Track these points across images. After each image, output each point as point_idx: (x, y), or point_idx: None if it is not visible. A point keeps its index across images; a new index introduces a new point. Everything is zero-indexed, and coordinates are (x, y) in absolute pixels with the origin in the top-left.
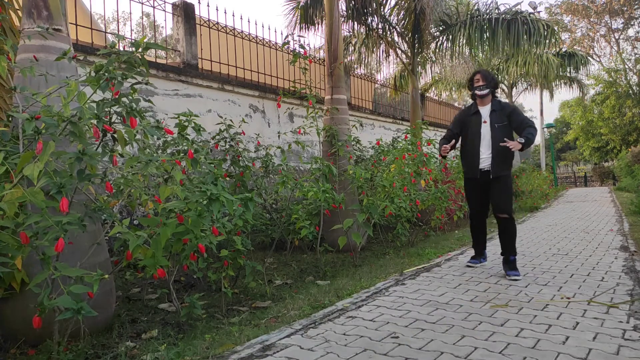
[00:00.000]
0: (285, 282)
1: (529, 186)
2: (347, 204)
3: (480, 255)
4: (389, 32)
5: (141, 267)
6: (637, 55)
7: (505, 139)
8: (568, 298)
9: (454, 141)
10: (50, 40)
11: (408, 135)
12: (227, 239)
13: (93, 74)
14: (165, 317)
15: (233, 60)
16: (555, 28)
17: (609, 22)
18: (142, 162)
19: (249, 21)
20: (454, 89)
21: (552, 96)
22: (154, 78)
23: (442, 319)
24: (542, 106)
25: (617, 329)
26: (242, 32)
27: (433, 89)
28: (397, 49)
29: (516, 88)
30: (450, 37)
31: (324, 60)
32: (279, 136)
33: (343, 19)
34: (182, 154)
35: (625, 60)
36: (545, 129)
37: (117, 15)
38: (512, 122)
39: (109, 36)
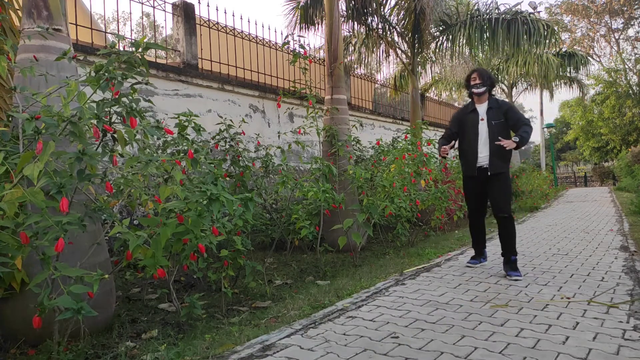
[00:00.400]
0: (285, 282)
1: (529, 186)
2: (347, 204)
3: (480, 255)
4: (389, 32)
5: (141, 267)
6: (637, 55)
7: (500, 137)
8: (568, 298)
9: (453, 142)
10: (50, 40)
11: (408, 135)
12: (227, 239)
13: (93, 74)
14: (165, 317)
15: (233, 60)
16: (555, 28)
17: (609, 22)
18: (142, 162)
19: (249, 21)
20: (454, 89)
21: (552, 96)
22: (154, 78)
23: (442, 319)
24: (542, 106)
25: (617, 329)
26: (242, 32)
27: (433, 89)
28: (397, 49)
29: (516, 88)
30: (450, 37)
31: (324, 60)
32: (279, 136)
33: (343, 19)
34: (182, 154)
35: (625, 60)
36: (545, 129)
37: (117, 15)
38: (508, 119)
39: (109, 36)
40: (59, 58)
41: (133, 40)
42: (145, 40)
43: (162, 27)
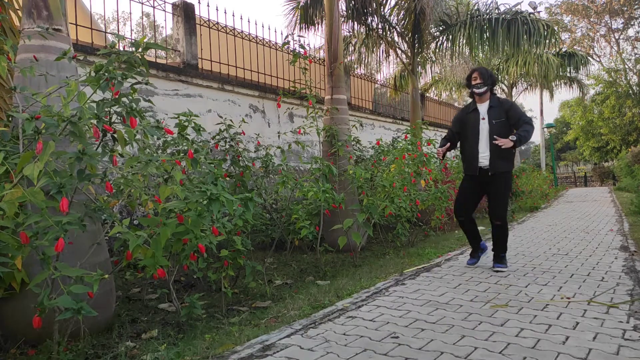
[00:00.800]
0: (285, 282)
1: (529, 186)
2: (347, 204)
3: (476, 251)
4: (389, 32)
5: (141, 267)
6: (637, 55)
7: (495, 136)
8: (568, 298)
9: (448, 144)
10: (50, 40)
11: (408, 135)
12: (227, 239)
13: (93, 74)
14: (165, 317)
15: (233, 60)
16: (555, 28)
17: (609, 22)
18: (142, 162)
19: (249, 21)
20: (454, 89)
21: (552, 96)
22: (154, 78)
23: (442, 319)
24: (542, 106)
25: (617, 329)
26: (242, 32)
27: (433, 89)
28: (397, 49)
29: (516, 88)
30: (450, 37)
31: (324, 60)
32: (279, 136)
33: (343, 19)
34: (182, 154)
35: (625, 60)
36: (545, 129)
37: (117, 15)
38: (509, 118)
39: (109, 36)
40: (59, 58)
41: (133, 40)
42: (145, 40)
43: (162, 27)
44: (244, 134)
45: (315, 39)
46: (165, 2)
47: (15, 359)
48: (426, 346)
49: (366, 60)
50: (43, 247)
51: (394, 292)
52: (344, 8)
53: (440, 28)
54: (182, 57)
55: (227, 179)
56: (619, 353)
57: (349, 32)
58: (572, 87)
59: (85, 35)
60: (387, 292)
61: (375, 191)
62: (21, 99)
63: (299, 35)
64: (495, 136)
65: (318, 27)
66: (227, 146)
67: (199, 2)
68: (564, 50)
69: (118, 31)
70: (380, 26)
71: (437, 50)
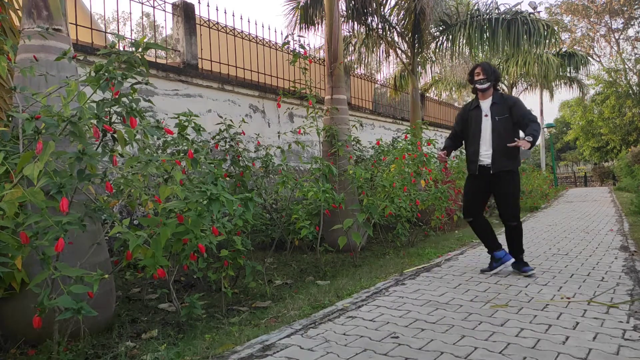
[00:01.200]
0: (285, 282)
1: (529, 186)
2: (347, 204)
3: (494, 249)
4: (389, 32)
5: (141, 267)
6: (637, 55)
7: (505, 134)
8: (568, 298)
9: (450, 148)
10: (50, 40)
11: (408, 135)
12: (227, 239)
13: (93, 74)
14: (165, 317)
15: (233, 60)
16: (555, 28)
17: (609, 22)
18: (142, 162)
19: (249, 21)
20: (454, 89)
21: (552, 96)
22: (154, 78)
23: (442, 319)
24: (542, 106)
25: (617, 329)
26: (242, 32)
27: (433, 89)
28: (397, 49)
29: (516, 88)
30: (450, 37)
31: (324, 60)
32: (279, 136)
33: (343, 19)
34: (182, 154)
35: (625, 60)
36: (545, 129)
37: (117, 15)
38: (513, 115)
39: (109, 36)
40: (59, 58)
41: (133, 40)
42: (145, 40)
43: (162, 27)
44: (244, 134)
45: (315, 39)
46: (165, 2)
47: (15, 359)
48: (426, 346)
49: (366, 60)
50: (43, 247)
51: (394, 292)
52: (344, 8)
53: (440, 28)
54: (182, 57)
55: (227, 179)
56: (619, 353)
57: (349, 32)
58: (572, 87)
59: (85, 35)
60: (387, 292)
61: (375, 191)
62: (21, 99)
63: (299, 35)
64: (504, 134)
65: (318, 27)
66: (227, 146)
67: (199, 2)
68: (564, 50)
69: (118, 31)
70: (380, 26)
71: (437, 50)
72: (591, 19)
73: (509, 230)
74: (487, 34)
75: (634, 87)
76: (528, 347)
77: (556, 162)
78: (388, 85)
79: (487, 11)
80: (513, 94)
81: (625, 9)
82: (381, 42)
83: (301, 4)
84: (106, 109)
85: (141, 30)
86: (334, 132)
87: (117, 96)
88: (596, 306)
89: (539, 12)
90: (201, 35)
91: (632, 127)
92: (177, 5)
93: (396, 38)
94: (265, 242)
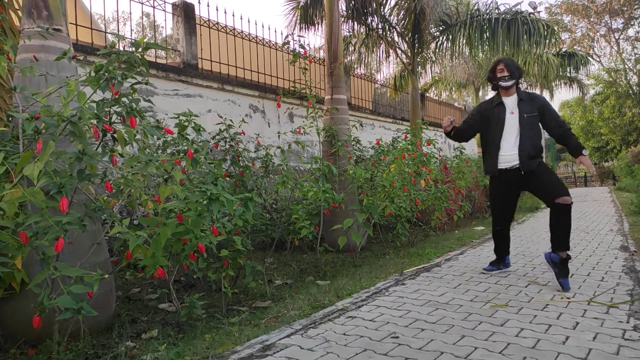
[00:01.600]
0: (285, 282)
1: None
2: (347, 204)
3: (500, 261)
4: (389, 32)
5: (141, 267)
6: (637, 55)
7: (532, 129)
8: (568, 298)
9: (457, 127)
10: (50, 40)
11: (408, 135)
12: (227, 239)
13: (93, 74)
14: (165, 317)
15: (233, 60)
16: (555, 28)
17: (609, 22)
18: (142, 162)
19: (249, 21)
20: (454, 89)
21: (552, 96)
22: (154, 78)
23: (442, 319)
24: None
25: (617, 329)
26: (242, 32)
27: (433, 89)
28: (397, 49)
29: None
30: (450, 37)
31: (324, 60)
32: (279, 136)
33: (343, 19)
34: (182, 154)
35: (625, 60)
36: None
37: (117, 15)
38: (544, 115)
39: (109, 36)
40: (59, 58)
41: (133, 40)
42: (145, 40)
43: (162, 27)
44: (244, 134)
45: (315, 39)
46: (165, 2)
47: (15, 359)
48: (426, 346)
49: (366, 60)
50: (43, 247)
51: (394, 292)
52: (344, 8)
53: (440, 28)
54: (182, 57)
55: (227, 179)
56: (619, 353)
57: (349, 32)
58: (572, 87)
59: (85, 35)
60: (387, 292)
61: (375, 191)
62: (21, 99)
63: (299, 35)
64: (532, 130)
65: (318, 27)
66: (227, 146)
67: (199, 2)
68: (564, 50)
69: (118, 31)
70: (380, 26)
71: (437, 50)
72: (591, 19)
73: (558, 213)
74: (487, 34)
75: (634, 87)
76: (528, 347)
77: (556, 162)
78: (388, 85)
79: (487, 11)
80: None
81: (625, 9)
82: (381, 42)
83: (301, 4)
84: (106, 109)
85: (141, 30)
86: (334, 132)
87: (117, 96)
88: (596, 306)
89: (539, 12)
90: (201, 35)
91: (632, 127)
92: (177, 5)
93: (396, 38)
94: (265, 242)
